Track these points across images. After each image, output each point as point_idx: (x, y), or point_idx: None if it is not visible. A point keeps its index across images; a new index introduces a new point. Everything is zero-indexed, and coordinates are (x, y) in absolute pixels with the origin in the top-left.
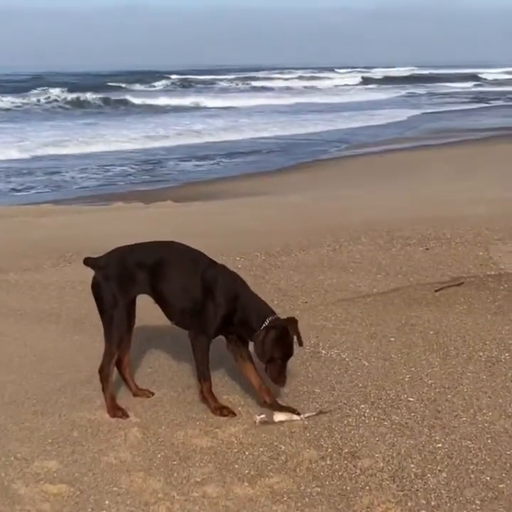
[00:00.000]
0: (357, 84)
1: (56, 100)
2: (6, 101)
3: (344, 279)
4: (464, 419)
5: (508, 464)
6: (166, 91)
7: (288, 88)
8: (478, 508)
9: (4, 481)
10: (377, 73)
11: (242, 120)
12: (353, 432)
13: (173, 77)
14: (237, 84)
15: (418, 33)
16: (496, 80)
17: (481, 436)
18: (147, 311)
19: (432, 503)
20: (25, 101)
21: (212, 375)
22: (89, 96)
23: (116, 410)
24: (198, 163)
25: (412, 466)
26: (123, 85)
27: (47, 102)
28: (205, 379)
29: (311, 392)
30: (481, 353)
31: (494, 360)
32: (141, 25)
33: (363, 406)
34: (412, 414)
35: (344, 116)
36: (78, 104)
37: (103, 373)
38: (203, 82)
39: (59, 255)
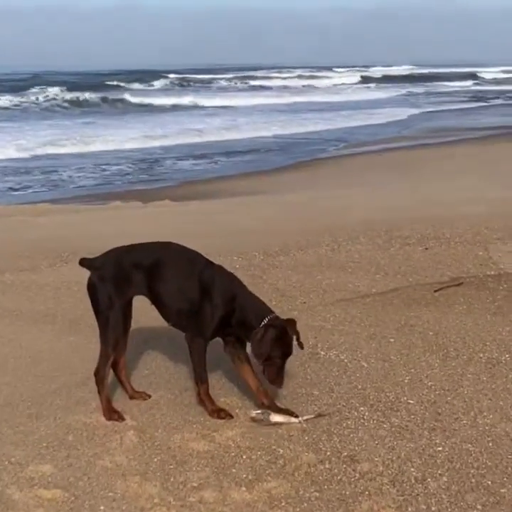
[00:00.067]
0: (356, 83)
1: (54, 99)
2: (5, 100)
3: (343, 279)
4: (464, 421)
5: (510, 468)
6: (164, 90)
7: (287, 87)
8: None
9: None
10: (376, 72)
11: (241, 119)
12: (352, 435)
13: (172, 76)
14: (235, 84)
15: (417, 32)
16: (494, 78)
17: (481, 440)
18: (144, 312)
19: (433, 508)
20: (23, 100)
21: (210, 377)
22: (87, 95)
23: (112, 413)
24: (196, 162)
25: (412, 470)
26: (121, 84)
27: (45, 101)
28: (203, 381)
29: (309, 394)
30: (481, 355)
31: (495, 362)
32: (139, 25)
33: (362, 408)
34: (412, 416)
35: (343, 115)
36: (77, 103)
37: (99, 376)
38: (202, 81)
39: (55, 255)
